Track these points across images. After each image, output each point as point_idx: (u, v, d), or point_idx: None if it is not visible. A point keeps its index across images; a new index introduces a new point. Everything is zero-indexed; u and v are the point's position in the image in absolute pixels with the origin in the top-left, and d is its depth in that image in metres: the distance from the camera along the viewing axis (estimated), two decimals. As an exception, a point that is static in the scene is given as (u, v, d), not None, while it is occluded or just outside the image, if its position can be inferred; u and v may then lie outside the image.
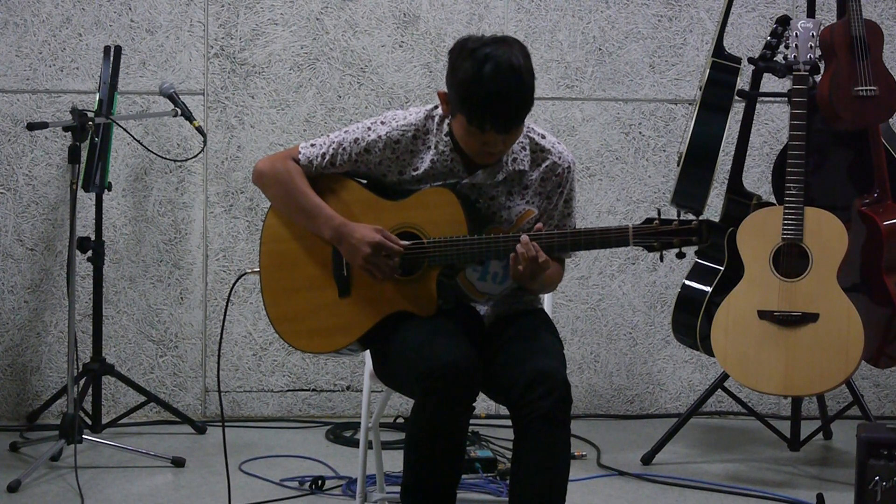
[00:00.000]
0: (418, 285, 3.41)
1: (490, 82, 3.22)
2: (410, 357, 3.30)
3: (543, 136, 3.49)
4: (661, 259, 3.38)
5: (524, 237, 3.29)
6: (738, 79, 4.77)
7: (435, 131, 3.46)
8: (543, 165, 3.48)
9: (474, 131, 3.29)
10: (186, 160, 5.21)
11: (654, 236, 3.30)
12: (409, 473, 3.34)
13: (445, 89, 3.37)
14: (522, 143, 3.46)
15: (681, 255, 3.31)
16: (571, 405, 3.29)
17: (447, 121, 3.43)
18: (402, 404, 5.28)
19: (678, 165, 4.77)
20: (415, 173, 3.46)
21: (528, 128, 3.46)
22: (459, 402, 3.25)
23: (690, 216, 3.34)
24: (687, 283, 4.84)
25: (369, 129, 3.47)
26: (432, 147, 3.45)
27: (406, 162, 3.47)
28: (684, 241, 3.29)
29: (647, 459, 4.78)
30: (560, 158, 3.49)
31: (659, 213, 3.31)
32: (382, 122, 3.48)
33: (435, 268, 3.40)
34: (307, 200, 3.48)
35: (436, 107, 3.48)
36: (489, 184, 3.44)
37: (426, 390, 3.22)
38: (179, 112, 4.89)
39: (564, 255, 3.54)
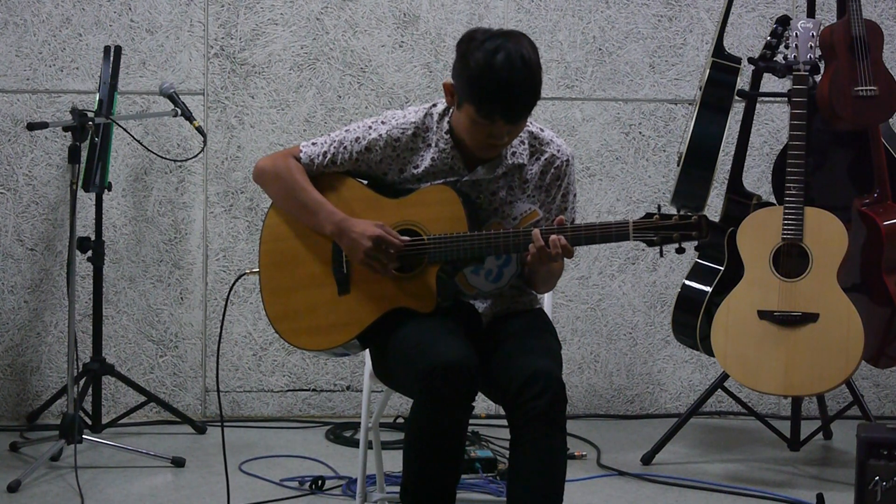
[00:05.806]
0: (418, 281, 3.41)
1: (502, 72, 3.24)
2: (410, 356, 3.30)
3: (542, 130, 3.51)
4: (661, 254, 3.36)
5: (535, 231, 3.29)
6: (738, 79, 4.78)
7: (435, 129, 3.46)
8: (542, 158, 3.49)
9: (482, 122, 3.29)
10: (186, 160, 5.21)
11: (653, 230, 3.30)
12: (409, 473, 3.33)
13: (451, 81, 3.37)
14: (521, 137, 3.47)
15: (680, 251, 3.31)
16: (566, 405, 3.29)
17: (447, 118, 3.44)
18: (402, 404, 5.27)
19: (678, 165, 4.77)
20: (415, 171, 3.47)
21: (527, 122, 3.47)
22: (459, 400, 3.25)
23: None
24: (687, 283, 4.84)
25: (370, 127, 3.49)
26: (433, 144, 3.46)
27: (406, 160, 3.47)
28: (684, 235, 3.29)
29: (647, 459, 4.78)
30: (559, 151, 3.50)
31: (659, 208, 3.32)
32: (383, 122, 3.49)
33: (435, 264, 3.40)
34: (308, 196, 3.49)
35: (434, 105, 3.50)
36: (490, 179, 3.45)
37: (425, 389, 3.22)
38: (179, 112, 4.89)
39: None
